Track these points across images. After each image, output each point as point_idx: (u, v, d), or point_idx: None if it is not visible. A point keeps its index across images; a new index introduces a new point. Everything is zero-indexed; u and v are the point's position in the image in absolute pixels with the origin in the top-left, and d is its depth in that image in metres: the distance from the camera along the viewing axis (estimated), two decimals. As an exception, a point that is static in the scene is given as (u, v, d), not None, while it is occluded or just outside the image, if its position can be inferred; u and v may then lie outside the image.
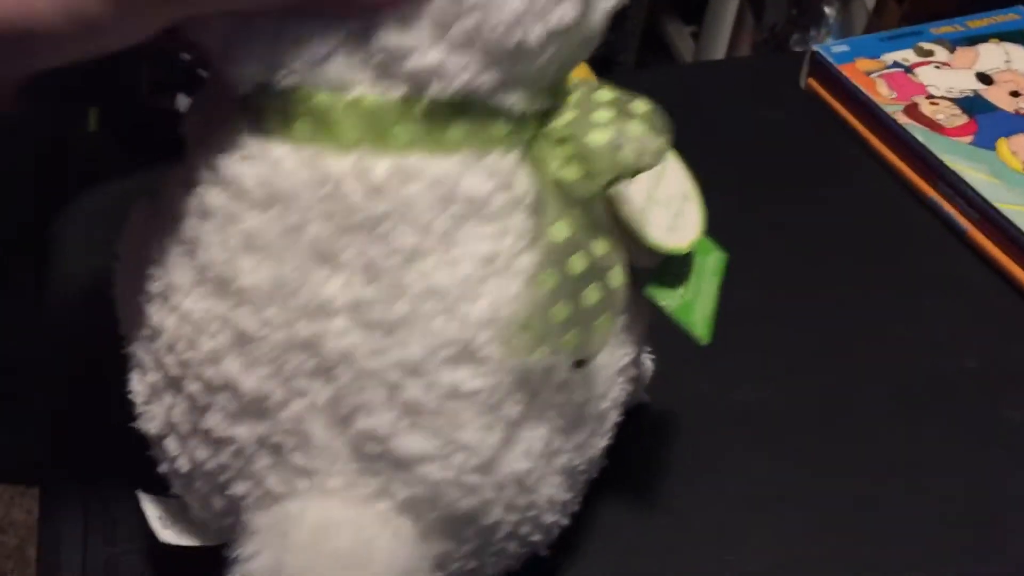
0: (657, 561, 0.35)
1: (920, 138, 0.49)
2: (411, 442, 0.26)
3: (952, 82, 0.53)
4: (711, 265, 0.31)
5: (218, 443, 0.27)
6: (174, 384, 0.28)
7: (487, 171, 0.26)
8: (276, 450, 0.26)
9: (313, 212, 0.25)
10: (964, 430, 0.39)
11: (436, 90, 0.24)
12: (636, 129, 0.26)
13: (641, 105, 0.27)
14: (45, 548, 0.34)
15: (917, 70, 0.54)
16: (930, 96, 0.52)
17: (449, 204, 0.26)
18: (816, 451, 0.38)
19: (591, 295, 0.26)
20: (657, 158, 0.26)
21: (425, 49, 0.24)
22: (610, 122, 0.26)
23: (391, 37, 0.24)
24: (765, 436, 0.39)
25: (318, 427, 0.26)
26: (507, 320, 0.26)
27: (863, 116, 0.52)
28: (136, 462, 0.37)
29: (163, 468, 0.30)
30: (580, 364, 0.27)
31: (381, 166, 0.25)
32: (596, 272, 0.26)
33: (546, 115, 0.27)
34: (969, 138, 0.49)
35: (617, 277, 0.27)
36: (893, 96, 0.52)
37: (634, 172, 0.26)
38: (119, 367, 0.40)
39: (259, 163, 0.26)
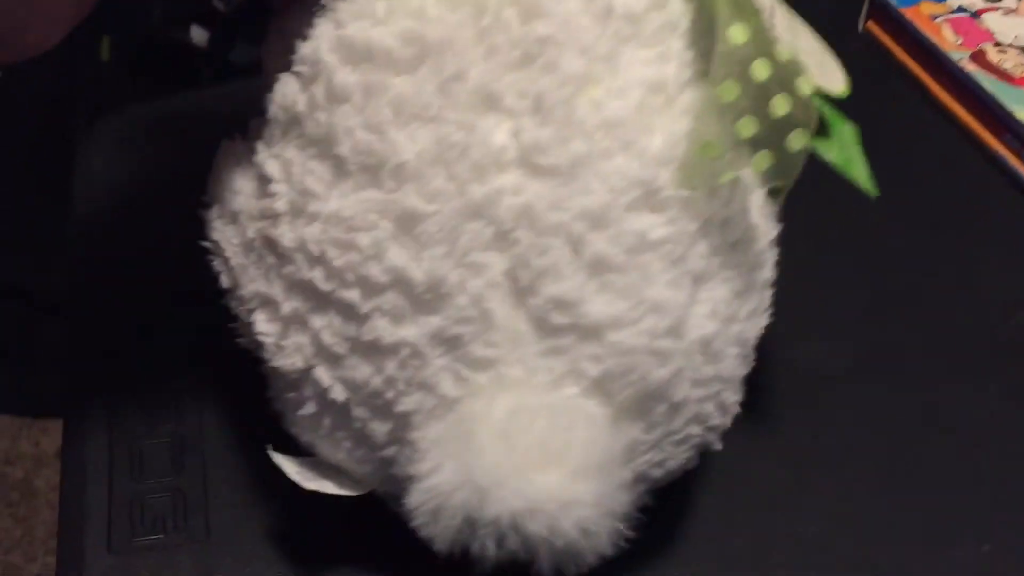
0: (711, 522, 0.33)
1: (988, 87, 0.47)
2: (600, 305, 0.24)
3: (1020, 29, 0.50)
4: (848, 135, 0.29)
5: (385, 353, 0.25)
6: (323, 302, 0.25)
7: None
8: (452, 344, 0.24)
9: (472, 54, 0.23)
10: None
11: None
12: None
13: None
14: (69, 484, 0.33)
15: (984, 16, 0.51)
16: (998, 44, 0.49)
17: (608, 21, 0.24)
18: (873, 409, 0.37)
19: (780, 105, 0.24)
20: None
21: None
22: None
23: None
24: (823, 394, 0.37)
25: (499, 305, 0.24)
26: (690, 141, 0.24)
27: (926, 62, 0.50)
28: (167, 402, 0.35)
29: (307, 409, 0.27)
30: (775, 193, 0.25)
31: None
32: (782, 79, 0.24)
33: None
34: (1038, 89, 0.47)
35: (806, 85, 0.24)
36: (959, 42, 0.49)
37: None
38: (145, 295, 0.38)
39: (398, 20, 0.24)
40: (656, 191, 0.24)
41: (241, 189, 0.28)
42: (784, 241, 0.30)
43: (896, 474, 0.35)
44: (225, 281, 0.29)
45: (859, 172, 0.28)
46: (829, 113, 0.28)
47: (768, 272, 0.29)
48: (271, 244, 0.26)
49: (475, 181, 0.24)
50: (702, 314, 0.25)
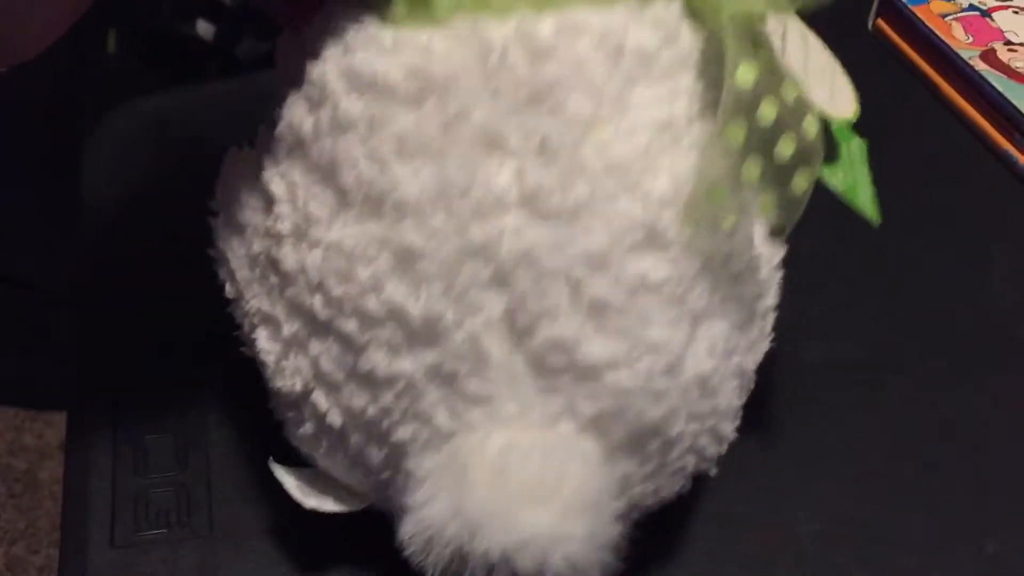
0: (711, 522, 0.33)
1: (998, 86, 0.46)
2: (598, 347, 0.24)
3: (1031, 29, 0.50)
4: (856, 151, 0.29)
5: (381, 384, 0.24)
6: (321, 329, 0.25)
7: (652, 21, 0.24)
8: (448, 379, 0.24)
9: (476, 94, 0.23)
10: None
11: None
12: None
13: None
14: (72, 477, 0.33)
15: (995, 14, 0.51)
16: (1008, 43, 0.49)
17: (619, 60, 0.23)
18: (878, 409, 0.37)
19: (785, 147, 0.24)
20: None
21: None
22: None
23: None
24: (826, 394, 0.37)
25: (495, 344, 0.24)
26: (694, 184, 0.23)
27: (936, 61, 0.49)
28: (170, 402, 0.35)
29: (306, 429, 0.27)
30: (776, 233, 0.25)
31: (547, 24, 0.23)
32: (789, 120, 0.24)
33: None
34: (1049, 89, 0.47)
35: (813, 125, 0.24)
36: (969, 41, 0.49)
37: None
38: (153, 290, 0.38)
39: (405, 53, 0.23)
40: (659, 233, 0.24)
41: (247, 202, 0.28)
42: (789, 239, 0.30)
43: (900, 474, 0.35)
44: (230, 291, 0.29)
45: (863, 200, 0.28)
46: (838, 129, 0.27)
47: (771, 299, 0.28)
48: (274, 264, 0.26)
49: (476, 221, 0.23)
50: (701, 351, 0.25)
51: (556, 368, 0.24)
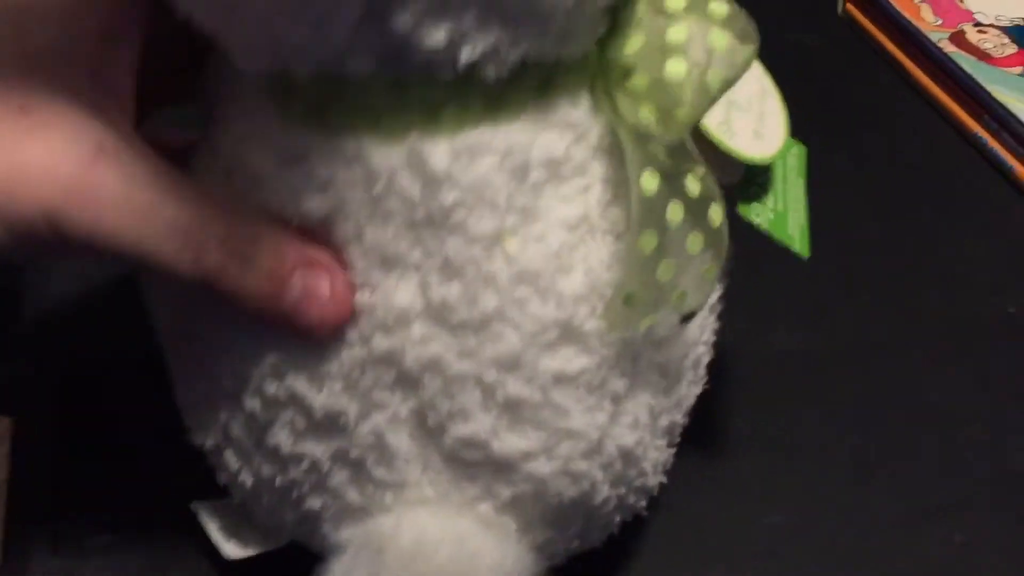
0: (681, 512, 0.32)
1: (967, 68, 0.46)
2: (514, 441, 0.23)
3: (1001, 9, 0.49)
4: (793, 163, 0.28)
5: (287, 459, 0.24)
6: (228, 397, 0.24)
7: (559, 126, 0.22)
8: (356, 465, 0.23)
9: (367, 214, 0.21)
10: (1003, 377, 0.37)
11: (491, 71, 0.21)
12: (719, 41, 0.22)
13: (720, 6, 0.22)
14: (16, 483, 0.32)
15: (964, -5, 0.50)
16: (978, 24, 0.48)
17: (527, 174, 0.22)
18: (850, 396, 0.36)
19: (694, 243, 0.23)
20: (744, 71, 0.22)
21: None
22: (687, 42, 0.22)
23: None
24: (799, 380, 0.36)
25: (403, 440, 0.23)
26: (610, 293, 0.22)
27: (905, 44, 0.49)
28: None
29: (222, 480, 0.26)
30: (688, 318, 0.24)
31: (440, 150, 0.21)
32: (696, 215, 0.23)
33: (609, 33, 0.22)
34: (1019, 69, 0.46)
35: (717, 213, 0.23)
36: (938, 23, 0.48)
37: (718, 98, 0.22)
38: (104, 288, 0.38)
39: (292, 159, 0.21)
40: (574, 328, 0.23)
41: None
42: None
43: (868, 464, 0.34)
44: (153, 320, 0.27)
45: (792, 225, 0.27)
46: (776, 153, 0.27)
47: (701, 347, 0.27)
48: (186, 320, 0.25)
49: (378, 332, 0.22)
50: (624, 427, 0.24)
51: (471, 461, 0.23)
